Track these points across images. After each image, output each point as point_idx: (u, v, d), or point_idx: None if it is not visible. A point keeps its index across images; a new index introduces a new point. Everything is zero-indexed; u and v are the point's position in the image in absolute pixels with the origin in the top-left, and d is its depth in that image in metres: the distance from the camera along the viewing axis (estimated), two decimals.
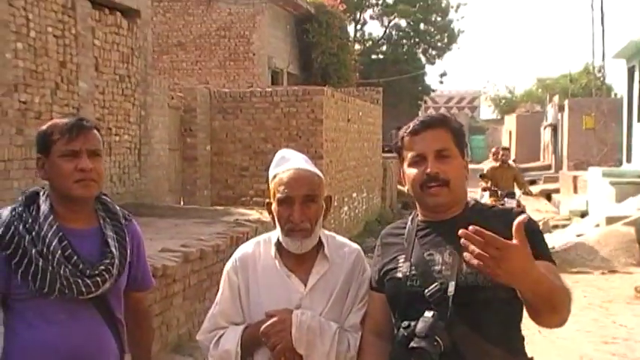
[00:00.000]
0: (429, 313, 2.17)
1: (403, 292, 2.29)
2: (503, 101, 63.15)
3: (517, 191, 13.00)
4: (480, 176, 12.93)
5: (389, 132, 27.97)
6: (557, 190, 24.59)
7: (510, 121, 48.74)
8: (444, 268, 2.25)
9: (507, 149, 14.10)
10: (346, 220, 15.01)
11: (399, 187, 23.48)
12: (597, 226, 12.51)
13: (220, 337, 2.55)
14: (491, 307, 2.20)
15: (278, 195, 2.48)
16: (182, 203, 11.78)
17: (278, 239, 2.54)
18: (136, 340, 2.81)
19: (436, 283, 2.22)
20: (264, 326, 2.42)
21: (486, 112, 67.55)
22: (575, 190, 21.71)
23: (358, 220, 16.25)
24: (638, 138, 17.63)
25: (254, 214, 9.71)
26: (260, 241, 2.64)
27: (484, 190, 12.81)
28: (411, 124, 2.40)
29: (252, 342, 2.48)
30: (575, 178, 22.19)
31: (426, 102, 44.32)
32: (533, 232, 2.26)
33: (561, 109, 32.53)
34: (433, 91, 42.62)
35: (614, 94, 31.66)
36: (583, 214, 16.46)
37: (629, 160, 18.64)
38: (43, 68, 7.88)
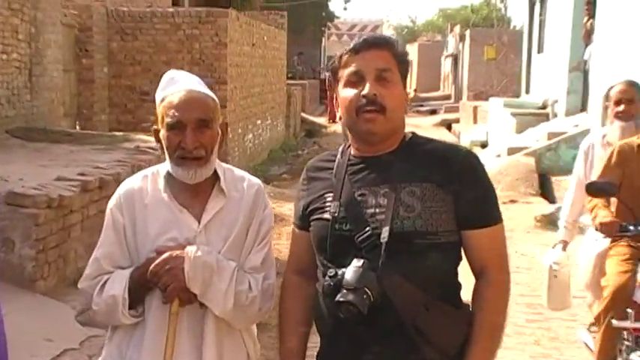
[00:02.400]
0: (358, 262, 1.97)
1: (331, 235, 2.06)
2: (406, 30, 63.43)
3: None
4: (591, 190, 3.94)
5: (292, 58, 27.64)
6: (457, 120, 25.00)
7: (412, 50, 49.01)
8: (377, 210, 2.03)
9: None
10: (250, 147, 14.74)
11: (303, 114, 23.35)
12: (499, 156, 12.73)
13: (105, 282, 2.24)
14: (428, 255, 2.01)
15: (167, 119, 2.19)
16: (78, 128, 11.18)
17: (168, 171, 2.25)
18: None
19: (368, 228, 2.01)
20: (153, 265, 2.16)
21: None
22: (475, 121, 22.10)
23: (262, 148, 16.02)
24: (537, 69, 17.96)
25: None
26: (147, 174, 2.33)
27: (604, 227, 3.96)
28: (352, 42, 2.14)
29: (141, 285, 2.20)
30: (475, 108, 22.56)
31: (329, 28, 43.89)
32: (476, 182, 2.10)
33: (462, 39, 32.86)
34: (337, 17, 42.33)
35: (513, 26, 32.13)
36: (483, 145, 16.75)
37: (527, 92, 19.03)
38: None
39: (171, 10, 13.37)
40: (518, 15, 30.09)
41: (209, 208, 2.26)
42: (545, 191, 11.44)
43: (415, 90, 41.12)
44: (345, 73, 2.11)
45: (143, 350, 2.23)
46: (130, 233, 2.27)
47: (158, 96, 2.28)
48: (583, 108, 13.92)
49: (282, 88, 19.01)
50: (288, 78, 21.08)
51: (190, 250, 2.18)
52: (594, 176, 4.25)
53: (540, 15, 18.08)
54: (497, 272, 2.09)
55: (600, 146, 4.65)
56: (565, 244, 4.84)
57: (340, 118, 2.19)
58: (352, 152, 2.17)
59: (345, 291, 1.94)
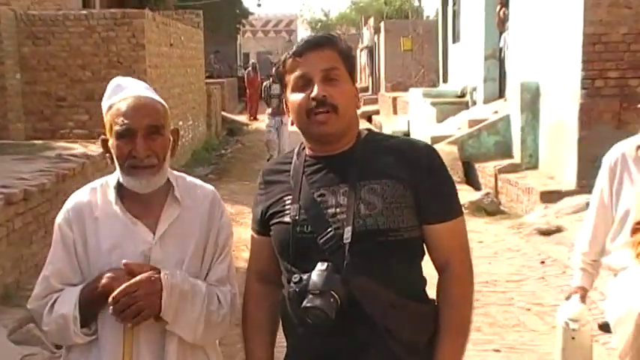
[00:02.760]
0: (322, 265, 1.93)
1: (292, 238, 2.02)
2: (320, 24, 63.49)
3: None
4: None
5: (209, 57, 27.31)
6: (377, 112, 25.22)
7: None
8: (338, 210, 2.00)
9: None
10: None
11: (224, 113, 23.12)
12: None
13: (55, 301, 2.14)
14: (392, 252, 1.99)
15: (116, 128, 2.10)
16: None
17: (118, 181, 2.16)
18: None
19: (330, 229, 1.98)
20: (126, 285, 2.03)
21: (303, 35, 67.40)
22: (395, 111, 22.35)
23: (185, 150, 15.74)
24: (454, 59, 18.26)
25: (78, 147, 9.05)
26: (96, 187, 2.23)
27: None
28: (295, 46, 2.11)
29: (92, 302, 2.09)
30: (394, 99, 22.81)
31: (244, 25, 43.59)
32: (435, 174, 2.08)
33: (377, 31, 33.11)
34: (251, 14, 42.10)
35: (426, 17, 32.62)
36: (406, 134, 16.91)
37: (445, 81, 19.33)
38: None
39: (84, 12, 12.97)
40: (430, 6, 30.62)
41: (164, 218, 2.17)
42: (470, 178, 11.67)
43: None
44: (291, 78, 2.07)
45: None
46: (81, 248, 2.17)
47: (104, 104, 2.19)
48: (500, 95, 14.24)
49: (201, 88, 18.76)
50: (206, 77, 20.80)
51: (166, 276, 2.08)
52: (629, 200, 3.38)
53: (454, 5, 18.38)
54: (461, 265, 2.08)
55: (632, 160, 3.51)
56: (584, 294, 3.55)
57: (292, 123, 2.15)
58: (307, 153, 2.13)
59: (311, 296, 1.90)
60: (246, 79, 27.12)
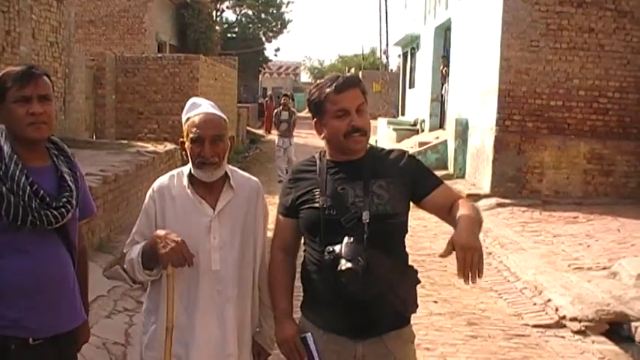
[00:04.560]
0: (349, 239, 1.87)
1: (322, 220, 1.94)
2: (316, 70, 63.30)
3: None
4: None
5: (239, 89, 27.19)
6: None
7: None
8: (356, 200, 1.95)
9: None
10: None
11: (248, 128, 23.02)
12: None
13: (132, 250, 2.14)
14: (393, 230, 1.98)
15: (191, 135, 2.08)
16: (94, 138, 10.75)
17: (190, 172, 2.14)
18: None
19: (350, 213, 1.93)
20: (161, 239, 1.99)
21: (305, 77, 67.32)
22: None
23: None
24: (410, 99, 18.35)
25: (150, 146, 9.05)
26: (174, 174, 2.20)
27: None
28: (334, 84, 1.98)
29: (149, 251, 2.04)
30: None
31: (264, 68, 43.34)
32: (418, 168, 2.06)
33: None
34: (270, 61, 41.85)
35: (391, 69, 32.60)
36: None
37: (402, 114, 19.40)
38: None
39: (160, 55, 13.03)
40: (394, 62, 30.76)
41: (221, 199, 2.14)
42: None
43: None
44: (333, 109, 1.99)
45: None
46: (160, 217, 2.14)
47: (184, 116, 2.16)
48: (441, 126, 14.30)
49: (234, 110, 18.65)
50: (237, 102, 20.74)
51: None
52: None
53: (411, 63, 18.46)
54: (463, 199, 2.02)
55: None
56: None
57: (324, 137, 2.06)
58: (328, 158, 2.08)
59: (344, 261, 1.85)
60: (265, 105, 27.04)
